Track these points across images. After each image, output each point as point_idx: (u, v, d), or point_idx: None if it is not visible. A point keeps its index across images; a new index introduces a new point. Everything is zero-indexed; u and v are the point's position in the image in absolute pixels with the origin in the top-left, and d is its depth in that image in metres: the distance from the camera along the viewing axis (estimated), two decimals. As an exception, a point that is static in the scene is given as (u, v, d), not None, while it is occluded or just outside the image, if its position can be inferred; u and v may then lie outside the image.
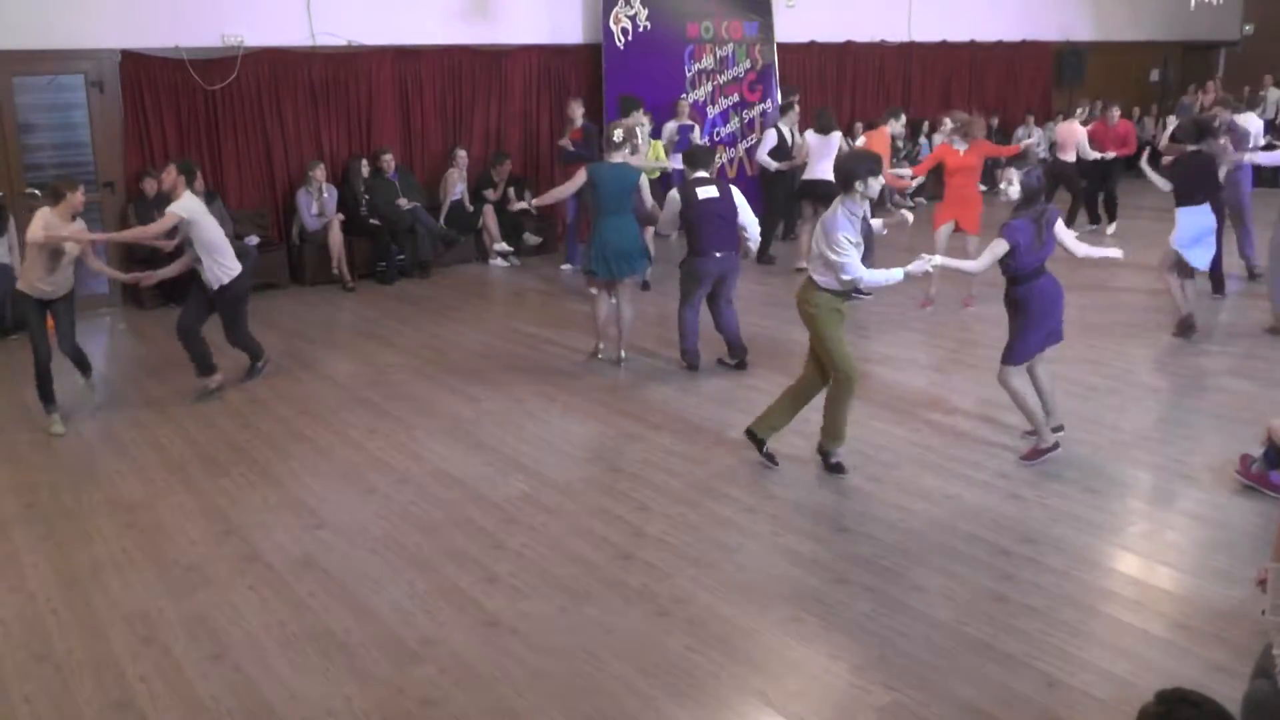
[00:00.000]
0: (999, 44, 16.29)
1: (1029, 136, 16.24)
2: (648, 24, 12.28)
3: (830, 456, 5.62)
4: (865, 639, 4.05)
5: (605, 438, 6.27)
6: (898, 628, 4.12)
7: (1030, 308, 5.61)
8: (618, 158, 7.34)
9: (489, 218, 11.32)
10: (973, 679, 3.77)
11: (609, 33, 12.03)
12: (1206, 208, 7.67)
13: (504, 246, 11.33)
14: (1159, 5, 18.01)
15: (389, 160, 10.73)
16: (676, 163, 10.26)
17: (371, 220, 10.53)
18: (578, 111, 10.61)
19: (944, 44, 15.56)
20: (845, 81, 14.68)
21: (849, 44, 14.55)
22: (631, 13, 12.15)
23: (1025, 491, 5.36)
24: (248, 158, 10.36)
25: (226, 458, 6.05)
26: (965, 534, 4.90)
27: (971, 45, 15.95)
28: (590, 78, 12.21)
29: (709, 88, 12.91)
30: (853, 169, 5.24)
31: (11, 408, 6.99)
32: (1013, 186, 5.56)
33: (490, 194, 11.34)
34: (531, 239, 11.84)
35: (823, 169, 9.76)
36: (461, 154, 11.25)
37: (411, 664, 3.95)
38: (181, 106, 9.83)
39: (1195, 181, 7.78)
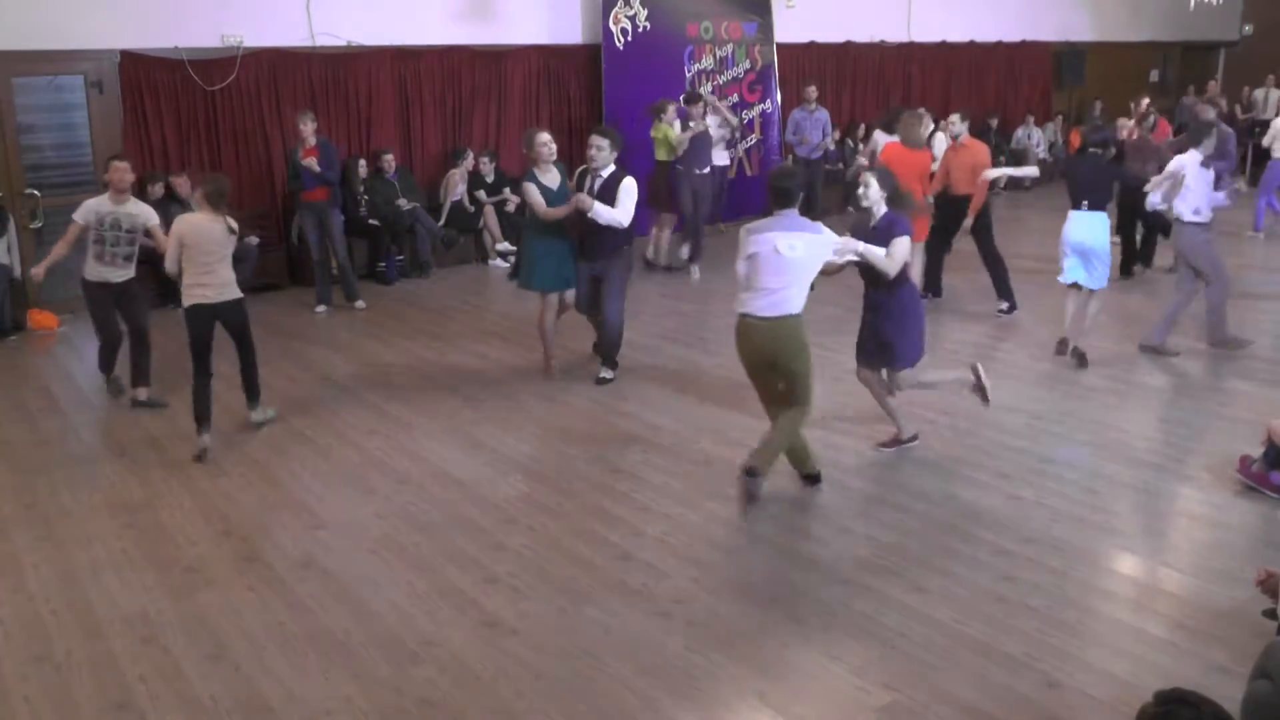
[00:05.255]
0: (999, 44, 16.29)
1: (1028, 137, 16.29)
2: (647, 24, 12.27)
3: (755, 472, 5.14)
4: (865, 639, 4.05)
5: (604, 438, 6.27)
6: (898, 628, 4.12)
7: (914, 307, 5.81)
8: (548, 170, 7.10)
9: (490, 218, 11.33)
10: (973, 679, 3.77)
11: (609, 33, 12.03)
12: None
13: (506, 246, 11.32)
14: (1159, 5, 18.01)
15: (389, 160, 10.74)
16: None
17: (371, 221, 10.54)
18: (310, 127, 9.10)
19: (944, 44, 15.56)
20: (845, 82, 14.68)
21: (849, 44, 14.55)
22: (631, 13, 12.15)
23: (1025, 491, 5.36)
24: (247, 158, 10.36)
25: (226, 458, 6.05)
26: (965, 534, 4.90)
27: (971, 45, 15.95)
28: (590, 78, 12.21)
29: (709, 88, 12.89)
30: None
31: (11, 408, 6.98)
32: (870, 188, 5.57)
33: (483, 194, 11.34)
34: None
35: None
36: (470, 156, 11.27)
37: (411, 664, 3.95)
38: (181, 107, 9.83)
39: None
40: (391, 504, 5.38)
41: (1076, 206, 7.28)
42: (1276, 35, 18.65)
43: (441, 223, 11.17)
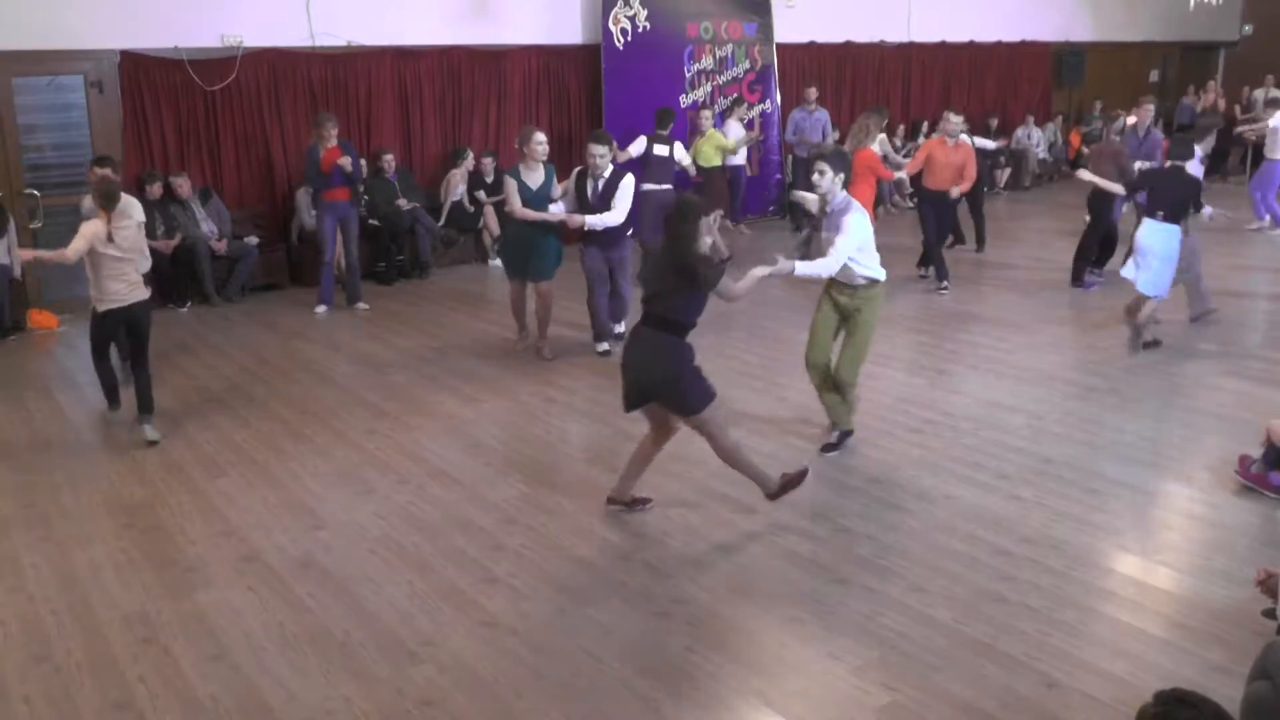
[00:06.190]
0: (998, 44, 16.29)
1: (1028, 137, 16.29)
2: (647, 24, 12.27)
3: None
4: (865, 639, 4.05)
5: (605, 438, 6.27)
6: (898, 628, 4.12)
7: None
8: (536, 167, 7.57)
9: (490, 218, 11.32)
10: (973, 679, 3.77)
11: (608, 33, 12.03)
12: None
13: (506, 246, 11.33)
14: (1159, 5, 18.02)
15: (389, 161, 10.74)
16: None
17: (371, 221, 10.52)
18: (333, 130, 8.97)
19: (943, 44, 15.56)
20: (845, 82, 14.68)
21: (849, 44, 14.55)
22: (631, 13, 12.15)
23: (1025, 491, 5.36)
24: (247, 158, 10.36)
25: (226, 458, 6.05)
26: (965, 534, 4.90)
27: (971, 45, 15.95)
28: (589, 78, 12.21)
29: (708, 88, 12.91)
30: None
31: (11, 408, 6.98)
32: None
33: (483, 194, 11.33)
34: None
35: None
36: (470, 156, 11.27)
37: (411, 664, 3.95)
38: (181, 107, 9.83)
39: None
40: (391, 504, 5.38)
41: (1151, 215, 7.48)
42: (1276, 35, 18.64)
43: (441, 223, 11.17)
